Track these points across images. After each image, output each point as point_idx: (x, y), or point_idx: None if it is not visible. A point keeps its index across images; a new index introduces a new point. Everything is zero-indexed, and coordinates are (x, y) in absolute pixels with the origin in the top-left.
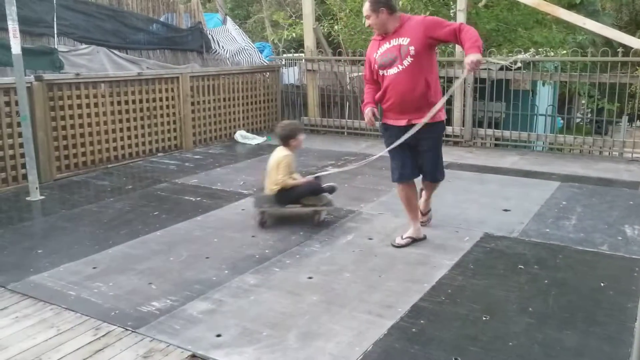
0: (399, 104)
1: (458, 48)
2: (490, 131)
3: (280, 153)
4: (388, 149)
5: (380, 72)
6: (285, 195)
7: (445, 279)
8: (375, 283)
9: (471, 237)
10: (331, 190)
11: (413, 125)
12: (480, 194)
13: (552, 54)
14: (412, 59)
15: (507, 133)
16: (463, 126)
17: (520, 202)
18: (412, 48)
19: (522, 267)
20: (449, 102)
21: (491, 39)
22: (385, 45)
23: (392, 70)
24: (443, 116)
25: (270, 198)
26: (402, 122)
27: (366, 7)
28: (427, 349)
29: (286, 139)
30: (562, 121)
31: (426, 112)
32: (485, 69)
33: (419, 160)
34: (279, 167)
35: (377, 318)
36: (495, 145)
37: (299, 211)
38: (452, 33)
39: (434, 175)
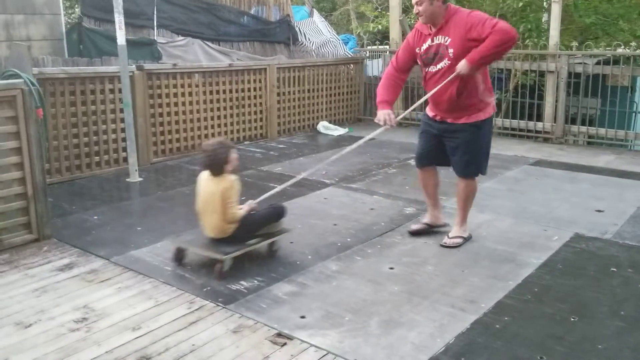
0: (432, 101)
1: (551, 40)
2: (583, 128)
3: (222, 183)
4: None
5: (424, 68)
6: (244, 229)
7: (531, 278)
8: (458, 277)
9: (560, 236)
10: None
11: (444, 120)
12: (571, 193)
13: None
14: (448, 62)
15: (601, 131)
16: (554, 122)
17: (615, 203)
18: (451, 51)
19: (614, 269)
20: (540, 97)
21: (588, 32)
22: (428, 42)
23: (431, 69)
24: (475, 118)
25: (220, 240)
26: (436, 116)
27: None
28: (511, 345)
29: (219, 167)
30: None
31: (459, 113)
32: (581, 63)
33: (448, 154)
34: (229, 199)
35: (459, 312)
36: (588, 143)
37: (263, 244)
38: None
39: (462, 169)
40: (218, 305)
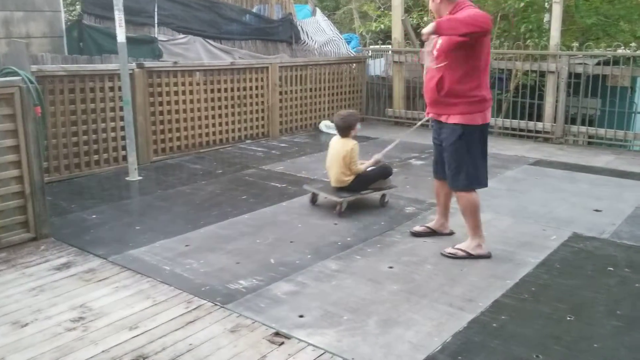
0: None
1: (552, 41)
2: (583, 128)
3: (347, 144)
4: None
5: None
6: (359, 182)
7: (529, 277)
8: (457, 276)
9: (559, 235)
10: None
11: (435, 119)
12: (570, 193)
13: None
14: (436, 53)
15: (601, 131)
16: (554, 122)
17: (613, 202)
18: (439, 42)
19: (611, 269)
20: (540, 97)
21: (589, 33)
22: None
23: (425, 62)
24: (454, 119)
25: (340, 188)
26: (429, 113)
27: None
28: (508, 344)
29: (347, 130)
30: None
31: (440, 109)
32: (581, 63)
33: None
34: (351, 158)
35: (457, 311)
36: (589, 143)
37: (373, 195)
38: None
39: (450, 178)
40: (216, 304)
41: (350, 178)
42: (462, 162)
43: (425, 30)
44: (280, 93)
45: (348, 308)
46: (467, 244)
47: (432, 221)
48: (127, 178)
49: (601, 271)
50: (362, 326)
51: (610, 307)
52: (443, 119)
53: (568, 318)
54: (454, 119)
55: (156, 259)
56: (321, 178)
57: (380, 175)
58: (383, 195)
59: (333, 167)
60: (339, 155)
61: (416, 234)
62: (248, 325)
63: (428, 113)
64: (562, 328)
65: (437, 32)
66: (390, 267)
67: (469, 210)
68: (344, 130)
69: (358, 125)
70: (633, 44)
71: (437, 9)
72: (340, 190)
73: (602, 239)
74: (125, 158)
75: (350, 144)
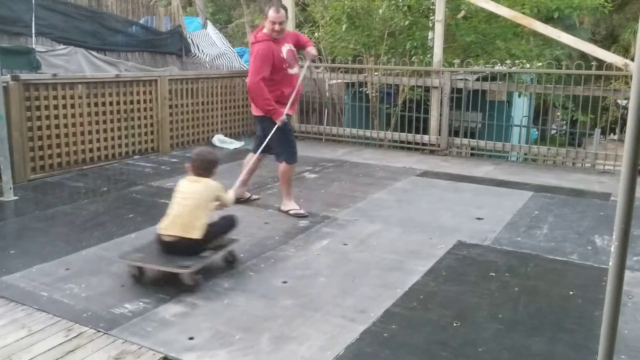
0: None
1: (435, 58)
2: (465, 140)
3: (211, 183)
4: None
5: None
6: (204, 239)
7: (417, 285)
8: (349, 288)
9: (444, 244)
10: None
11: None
12: (455, 202)
13: (529, 66)
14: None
15: (482, 143)
16: (439, 135)
17: (494, 211)
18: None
19: (493, 274)
20: (426, 111)
21: (469, 50)
22: (284, 48)
23: (293, 70)
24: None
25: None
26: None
27: (283, 14)
28: (398, 353)
29: (212, 168)
30: (537, 132)
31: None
32: (462, 79)
33: None
34: (218, 193)
35: (349, 322)
36: (471, 154)
37: (216, 258)
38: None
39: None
40: (99, 331)
41: (202, 230)
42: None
43: (315, 52)
44: (171, 107)
45: (240, 327)
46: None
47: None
48: (1, 198)
49: (484, 277)
50: (254, 345)
51: (493, 311)
52: (291, 112)
53: (454, 324)
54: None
55: (32, 284)
56: None
57: (226, 227)
58: (228, 254)
59: (184, 208)
60: (201, 196)
61: (304, 215)
62: (134, 352)
63: (291, 110)
64: (449, 334)
65: None
66: (284, 282)
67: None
68: (208, 168)
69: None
70: (508, 61)
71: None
72: (175, 257)
73: (485, 245)
74: None
75: (214, 183)
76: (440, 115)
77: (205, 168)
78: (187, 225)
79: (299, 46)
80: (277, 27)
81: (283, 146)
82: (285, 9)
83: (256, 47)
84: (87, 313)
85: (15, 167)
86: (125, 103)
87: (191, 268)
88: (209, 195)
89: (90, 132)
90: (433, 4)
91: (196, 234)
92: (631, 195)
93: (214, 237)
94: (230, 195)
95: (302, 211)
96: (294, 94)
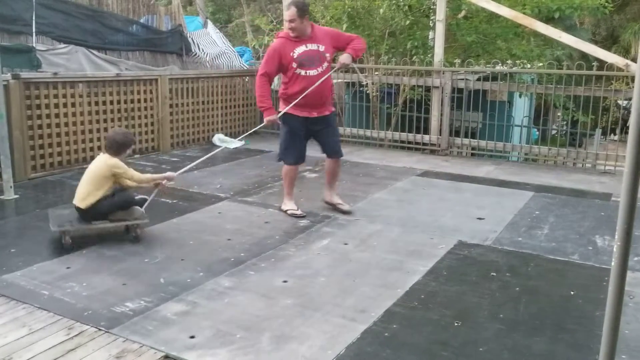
0: (310, 100)
1: (436, 58)
2: (466, 140)
3: (108, 161)
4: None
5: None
6: (92, 211)
7: (418, 285)
8: (350, 288)
9: (445, 244)
10: (142, 202)
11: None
12: (455, 202)
13: (529, 66)
14: (326, 65)
15: (483, 143)
16: (440, 135)
17: (494, 211)
18: (327, 55)
19: (494, 274)
20: (427, 111)
21: (470, 50)
22: (301, 48)
23: (311, 72)
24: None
25: (75, 214)
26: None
27: (292, 12)
28: (399, 353)
29: (122, 148)
30: (537, 132)
31: (326, 106)
32: (463, 79)
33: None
34: (118, 169)
35: (350, 322)
36: (472, 154)
37: (107, 227)
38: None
39: (338, 148)
40: (100, 329)
41: (91, 200)
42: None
43: (348, 61)
44: (171, 106)
45: (241, 326)
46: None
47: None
48: (1, 197)
49: (484, 277)
50: (255, 344)
51: (494, 312)
52: (328, 112)
53: (455, 324)
54: (331, 109)
55: (33, 283)
56: (213, 193)
57: (117, 205)
58: (127, 228)
59: (83, 181)
60: (99, 170)
61: (301, 216)
62: (135, 350)
63: (312, 113)
64: (449, 333)
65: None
66: (284, 281)
67: (340, 170)
68: (119, 147)
69: (129, 150)
70: (509, 61)
71: (304, 29)
72: (82, 213)
73: (485, 245)
74: None
75: (114, 161)
76: (441, 115)
77: (110, 147)
78: (79, 195)
79: (339, 48)
80: (288, 25)
81: (281, 145)
82: (301, 5)
83: (271, 44)
84: (88, 311)
85: (16, 165)
86: (125, 102)
87: (64, 229)
88: (104, 172)
89: (90, 131)
90: (434, 3)
91: (83, 204)
92: (633, 195)
93: (105, 210)
94: (136, 175)
95: (298, 212)
96: (302, 96)
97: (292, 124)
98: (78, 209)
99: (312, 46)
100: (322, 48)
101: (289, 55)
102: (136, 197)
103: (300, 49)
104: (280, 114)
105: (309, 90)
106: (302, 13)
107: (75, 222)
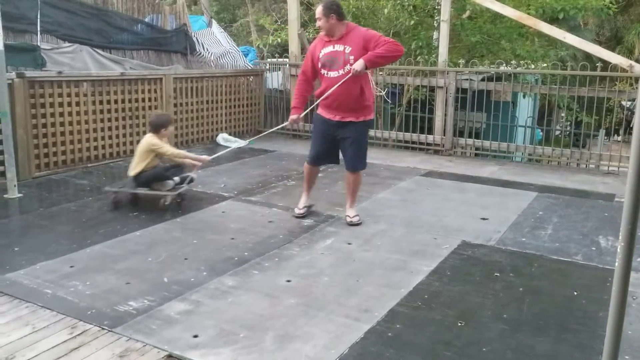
0: (332, 102)
1: (440, 58)
2: (470, 141)
3: (147, 139)
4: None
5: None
6: (138, 179)
7: (422, 285)
8: (353, 287)
9: (449, 244)
10: (184, 180)
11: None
12: (459, 202)
13: (533, 66)
14: (348, 68)
15: (487, 143)
16: (444, 135)
17: (498, 211)
18: (351, 57)
19: (498, 274)
20: (431, 111)
21: (474, 50)
22: (328, 48)
23: (333, 73)
24: (370, 117)
25: (130, 180)
26: (334, 117)
27: (318, 11)
28: (402, 352)
29: (159, 127)
30: (541, 133)
31: (354, 112)
32: (467, 79)
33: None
34: (154, 145)
35: (354, 322)
36: (475, 154)
37: (146, 194)
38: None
39: (356, 162)
40: (103, 328)
41: (138, 170)
42: (365, 149)
43: (358, 68)
44: (175, 105)
45: (244, 325)
46: (354, 212)
47: (305, 200)
48: (5, 195)
49: (488, 277)
50: (258, 343)
51: (497, 312)
52: (353, 119)
53: (458, 324)
54: (364, 118)
55: (36, 282)
56: (217, 192)
57: (150, 177)
58: (159, 197)
59: (136, 156)
60: (143, 145)
61: (299, 216)
62: (138, 349)
63: (335, 116)
64: (453, 334)
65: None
66: (288, 281)
67: (359, 185)
68: (156, 127)
69: (170, 127)
70: (513, 62)
71: (330, 28)
72: (132, 180)
73: (489, 246)
74: (3, 174)
75: (154, 137)
76: (445, 115)
77: (152, 125)
78: (131, 166)
79: (368, 50)
80: (317, 23)
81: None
82: (328, 4)
83: None
84: (92, 310)
85: (20, 164)
86: (130, 101)
87: (110, 189)
88: (145, 147)
89: (95, 130)
90: (438, 4)
91: (132, 172)
92: (637, 196)
93: (144, 180)
94: (169, 150)
95: (297, 212)
96: (323, 96)
97: (317, 123)
98: (129, 177)
99: (339, 47)
100: (348, 50)
101: (317, 55)
102: (183, 174)
103: (326, 49)
104: (302, 114)
105: (329, 92)
106: (327, 12)
107: (124, 188)
